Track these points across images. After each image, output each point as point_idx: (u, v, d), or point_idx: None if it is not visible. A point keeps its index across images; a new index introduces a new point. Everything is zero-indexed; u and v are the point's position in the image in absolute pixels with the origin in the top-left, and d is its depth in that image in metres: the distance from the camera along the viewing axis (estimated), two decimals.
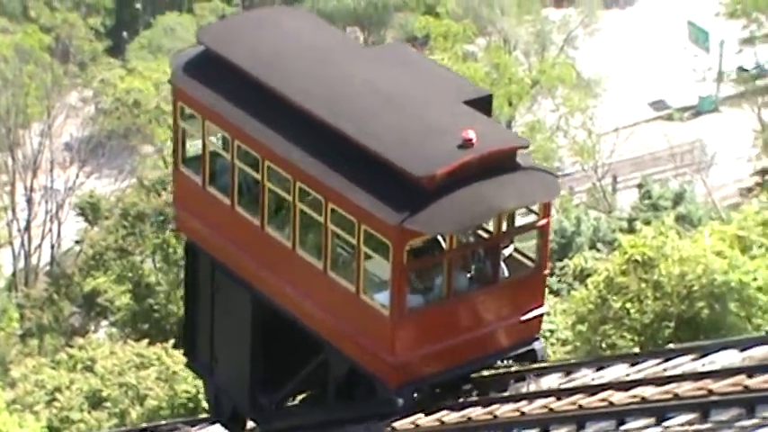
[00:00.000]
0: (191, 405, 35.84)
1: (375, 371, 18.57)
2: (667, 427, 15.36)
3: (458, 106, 18.91)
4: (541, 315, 19.68)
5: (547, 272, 20.06)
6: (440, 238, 18.70)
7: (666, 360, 17.74)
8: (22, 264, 64.21)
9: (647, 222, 35.90)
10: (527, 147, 19.98)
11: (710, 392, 15.49)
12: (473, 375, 18.74)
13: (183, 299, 24.43)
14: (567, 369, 18.58)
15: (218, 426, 24.30)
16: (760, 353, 16.95)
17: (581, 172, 61.70)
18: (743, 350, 17.41)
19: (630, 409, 15.98)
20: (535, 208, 18.88)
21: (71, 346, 44.39)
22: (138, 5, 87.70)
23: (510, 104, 62.06)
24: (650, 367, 17.78)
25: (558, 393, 17.12)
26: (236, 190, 20.09)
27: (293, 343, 20.11)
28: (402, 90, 19.27)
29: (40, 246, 64.76)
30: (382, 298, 18.26)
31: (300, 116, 18.85)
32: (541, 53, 67.73)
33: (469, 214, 17.99)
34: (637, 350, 22.98)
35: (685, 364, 17.53)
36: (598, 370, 18.18)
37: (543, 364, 18.82)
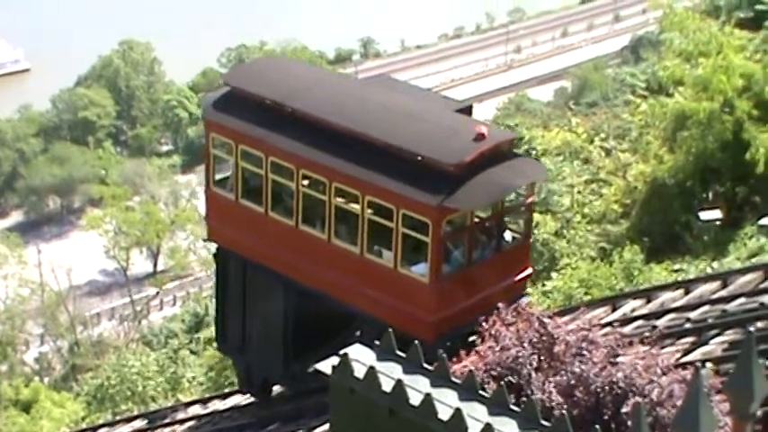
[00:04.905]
0: None
1: (411, 330, 17.43)
2: None
3: (452, 113, 19.48)
4: (529, 275, 20.05)
5: (530, 241, 20.60)
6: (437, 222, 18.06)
7: None
8: None
9: None
10: (521, 138, 20.58)
11: None
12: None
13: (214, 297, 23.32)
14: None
15: None
16: None
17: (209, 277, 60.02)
18: None
19: None
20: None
21: None
22: None
23: (158, 236, 69.52)
24: None
25: None
26: (270, 199, 19.71)
27: (318, 318, 20.15)
28: (406, 106, 19.26)
29: None
30: (419, 269, 18.43)
31: (329, 131, 18.70)
32: (175, 203, 75.57)
33: (494, 192, 18.45)
34: None
35: None
36: None
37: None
